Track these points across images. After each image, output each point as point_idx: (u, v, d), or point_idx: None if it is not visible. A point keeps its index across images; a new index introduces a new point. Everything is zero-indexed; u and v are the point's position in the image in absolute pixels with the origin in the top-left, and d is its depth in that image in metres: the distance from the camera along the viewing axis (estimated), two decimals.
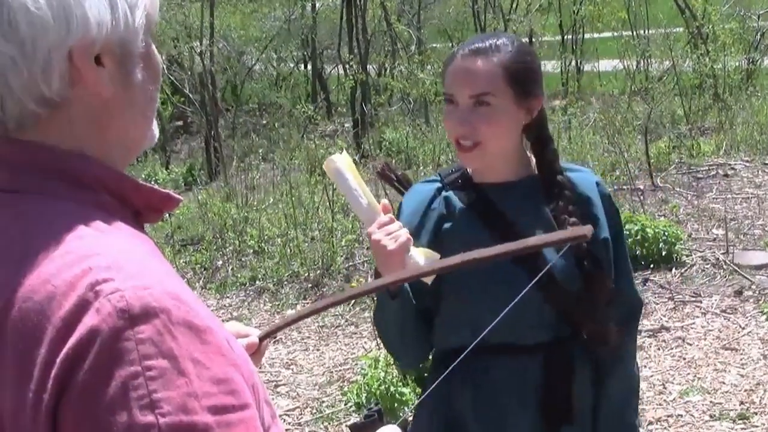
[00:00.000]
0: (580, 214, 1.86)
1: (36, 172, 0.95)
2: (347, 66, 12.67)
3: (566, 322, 1.87)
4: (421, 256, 1.74)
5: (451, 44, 12.62)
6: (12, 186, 0.95)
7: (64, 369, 0.82)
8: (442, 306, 1.91)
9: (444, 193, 1.93)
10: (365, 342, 5.37)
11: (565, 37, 13.18)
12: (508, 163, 1.91)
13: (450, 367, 1.55)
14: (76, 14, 0.92)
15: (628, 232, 5.76)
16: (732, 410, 4.07)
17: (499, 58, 1.81)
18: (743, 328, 4.91)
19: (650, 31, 11.78)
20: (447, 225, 1.90)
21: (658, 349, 4.78)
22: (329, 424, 4.38)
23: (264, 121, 12.91)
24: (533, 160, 1.96)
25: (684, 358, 4.63)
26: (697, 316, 5.12)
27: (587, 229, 1.37)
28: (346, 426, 1.16)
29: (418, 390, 3.95)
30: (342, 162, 1.65)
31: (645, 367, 4.56)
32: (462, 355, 1.53)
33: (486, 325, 1.61)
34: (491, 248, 1.36)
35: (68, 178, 0.95)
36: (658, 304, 5.32)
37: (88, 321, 0.83)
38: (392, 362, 4.14)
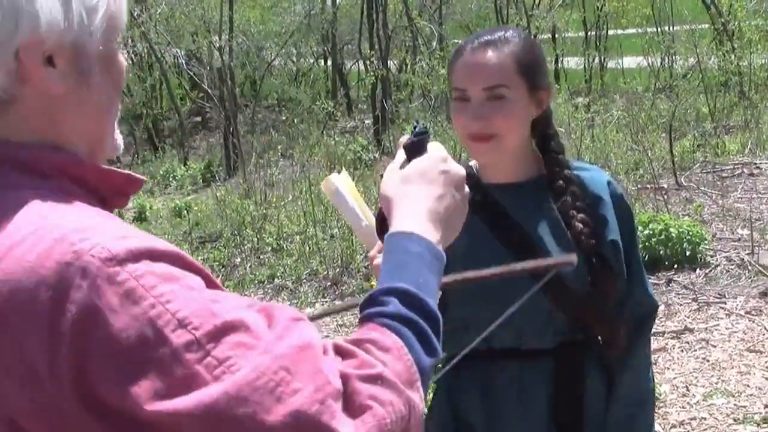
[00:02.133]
0: (589, 213, 1.83)
1: None
2: (368, 62, 12.65)
3: (576, 327, 1.84)
4: None
5: None
6: None
7: (76, 336, 0.83)
8: (448, 311, 1.85)
9: None
10: None
11: (589, 33, 13.09)
12: (516, 161, 1.87)
13: (444, 369, 1.55)
14: (26, 13, 0.94)
15: (651, 232, 5.71)
16: (756, 413, 4.02)
17: (510, 50, 1.79)
18: None
19: (675, 28, 11.71)
20: None
21: (682, 350, 4.73)
22: None
23: (283, 117, 12.89)
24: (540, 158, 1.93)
25: (708, 360, 4.58)
26: (722, 318, 5.07)
27: (572, 258, 1.44)
28: (401, 144, 1.19)
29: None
30: (341, 182, 1.61)
31: (668, 369, 4.53)
32: (460, 355, 1.51)
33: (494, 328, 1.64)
34: (480, 271, 1.42)
35: (22, 167, 0.96)
36: (681, 305, 5.28)
37: (81, 281, 0.84)
38: None
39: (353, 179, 1.71)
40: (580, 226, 1.81)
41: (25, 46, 0.94)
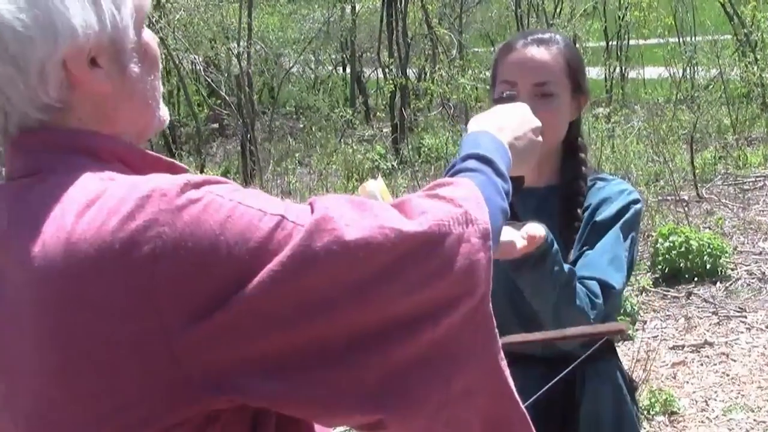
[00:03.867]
0: (585, 219, 1.83)
1: (52, 151, 1.02)
2: (387, 70, 12.62)
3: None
4: None
5: (493, 49, 12.50)
6: (30, 168, 1.03)
7: (173, 254, 0.91)
8: None
9: None
10: None
11: (610, 43, 13.02)
12: (544, 163, 1.88)
13: None
14: (61, 25, 0.99)
15: (671, 244, 5.67)
16: None
17: (560, 50, 1.84)
18: None
19: (697, 38, 11.61)
20: None
21: (701, 364, 4.71)
22: None
23: (301, 125, 12.89)
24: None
25: (728, 375, 4.56)
26: (742, 332, 5.04)
27: (622, 326, 1.59)
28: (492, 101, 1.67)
29: None
30: (377, 188, 1.60)
31: (687, 383, 4.51)
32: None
33: None
34: (529, 335, 1.65)
35: (83, 151, 1.03)
36: (701, 318, 5.25)
37: (163, 205, 0.92)
38: None
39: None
40: (567, 219, 1.83)
41: (69, 56, 1.00)
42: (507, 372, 1.09)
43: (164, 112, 1.16)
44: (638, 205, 1.87)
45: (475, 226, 1.04)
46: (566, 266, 1.73)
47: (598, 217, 1.84)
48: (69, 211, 0.95)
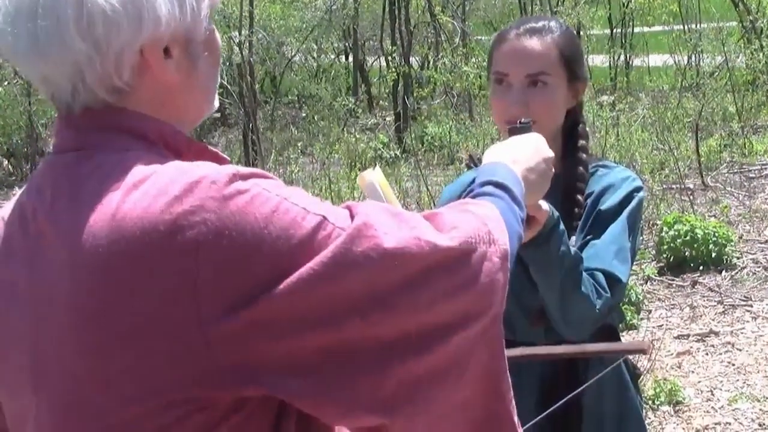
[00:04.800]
0: (588, 214, 1.81)
1: (101, 129, 1.04)
2: (389, 58, 12.59)
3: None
4: None
5: None
6: (79, 144, 1.04)
7: (216, 242, 0.92)
8: None
9: None
10: None
11: (614, 30, 12.98)
12: None
13: None
14: (147, 14, 1.01)
15: (676, 233, 5.66)
16: None
17: (554, 38, 1.83)
18: None
19: (702, 25, 11.56)
20: None
21: (707, 354, 4.68)
22: None
23: (303, 114, 12.86)
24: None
25: (733, 364, 4.53)
26: (747, 321, 5.02)
27: (645, 345, 1.61)
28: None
29: None
30: (375, 178, 1.58)
31: (692, 372, 4.49)
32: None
33: None
34: (553, 347, 1.71)
35: (131, 132, 1.04)
36: (707, 307, 5.23)
37: (212, 192, 0.94)
38: None
39: None
40: (568, 205, 1.81)
41: (148, 43, 1.03)
42: (510, 394, 1.13)
43: (216, 101, 1.19)
44: (641, 193, 1.85)
45: (497, 247, 1.08)
46: (573, 249, 1.71)
47: (603, 206, 1.81)
48: (115, 190, 0.97)
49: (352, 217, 1.01)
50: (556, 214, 1.66)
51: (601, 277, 1.74)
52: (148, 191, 0.95)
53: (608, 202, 1.82)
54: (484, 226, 1.08)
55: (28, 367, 1.03)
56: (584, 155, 1.88)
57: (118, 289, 0.94)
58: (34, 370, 1.02)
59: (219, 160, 1.09)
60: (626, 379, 1.93)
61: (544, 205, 1.62)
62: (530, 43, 1.81)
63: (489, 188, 1.22)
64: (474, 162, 2.05)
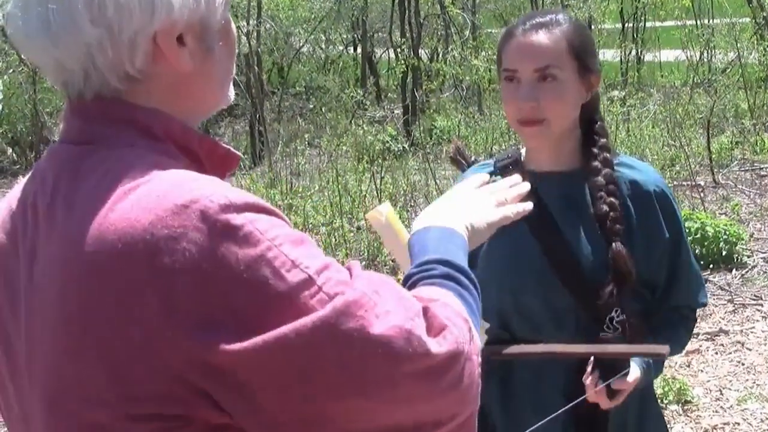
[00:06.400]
0: (625, 217, 1.81)
1: (108, 122, 1.03)
2: (398, 50, 12.54)
3: (597, 324, 1.81)
4: None
5: None
6: (85, 137, 1.03)
7: (193, 275, 0.89)
8: None
9: (493, 179, 1.87)
10: None
11: (626, 25, 12.93)
12: (563, 147, 1.88)
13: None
14: (160, 0, 1.00)
15: (686, 230, 5.58)
16: None
17: (562, 31, 1.80)
18: None
19: (715, 21, 11.50)
20: None
21: (716, 353, 4.66)
22: None
23: (311, 105, 12.84)
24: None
25: (743, 364, 4.51)
26: (758, 320, 4.99)
27: (664, 349, 1.65)
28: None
29: None
30: (384, 211, 1.54)
31: (701, 371, 4.47)
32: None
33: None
34: (568, 345, 1.73)
35: (138, 128, 1.03)
36: (717, 306, 5.20)
37: (200, 224, 0.90)
38: None
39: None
40: (605, 208, 1.79)
41: (161, 30, 1.01)
42: None
43: (231, 92, 1.16)
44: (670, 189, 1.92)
45: (474, 344, 1.05)
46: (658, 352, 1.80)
47: (668, 231, 1.85)
48: (107, 196, 0.95)
49: (348, 280, 0.96)
50: (647, 371, 1.79)
51: (691, 316, 1.95)
52: (138, 202, 0.93)
53: (667, 222, 1.86)
54: (465, 323, 1.04)
55: (24, 360, 1.03)
56: (608, 155, 1.86)
57: (93, 299, 0.93)
58: (27, 364, 1.02)
59: (230, 158, 1.10)
60: (650, 385, 1.94)
61: (633, 374, 1.74)
62: (537, 37, 1.78)
63: (444, 270, 1.13)
64: (462, 156, 2.05)
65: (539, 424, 1.67)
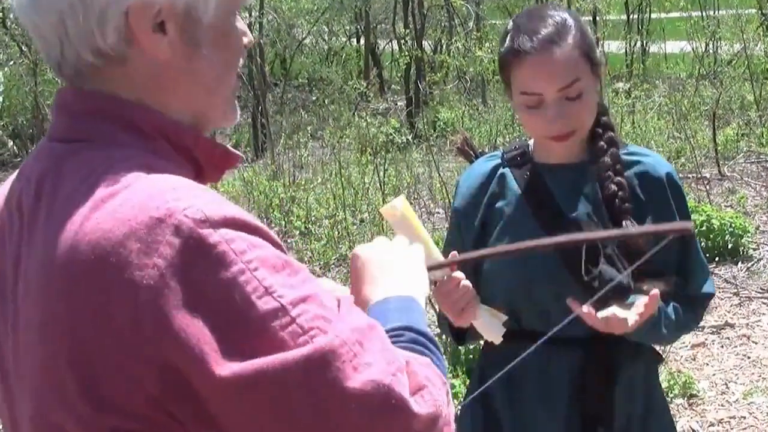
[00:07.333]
0: (635, 203, 1.81)
1: (96, 119, 1.01)
2: (402, 41, 12.47)
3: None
4: (487, 314, 1.78)
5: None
6: (71, 134, 1.01)
7: (162, 291, 0.86)
8: (483, 290, 1.86)
9: (501, 171, 1.94)
10: None
11: (631, 16, 12.86)
12: (573, 141, 1.86)
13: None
14: None
15: (692, 223, 5.57)
16: None
17: (572, 38, 1.77)
18: None
19: (721, 12, 11.44)
20: (498, 204, 1.91)
21: (722, 346, 4.63)
22: None
23: (314, 97, 12.81)
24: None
25: (749, 357, 4.49)
26: (764, 313, 4.96)
27: (689, 224, 1.52)
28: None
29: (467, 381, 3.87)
30: (403, 208, 1.52)
31: (707, 365, 4.45)
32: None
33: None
34: (597, 232, 1.69)
35: (127, 124, 1.00)
36: (722, 299, 5.17)
37: (172, 238, 0.87)
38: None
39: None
40: (614, 187, 1.78)
41: (133, 8, 0.98)
42: None
43: (233, 112, 1.12)
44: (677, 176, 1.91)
45: (451, 407, 1.03)
46: (672, 313, 1.82)
47: (679, 217, 1.83)
48: (84, 202, 0.93)
49: (329, 317, 0.92)
50: (662, 309, 1.77)
51: (699, 304, 1.94)
52: (114, 213, 0.91)
53: (673, 201, 1.85)
54: (444, 386, 1.01)
55: (12, 363, 1.02)
56: (616, 150, 1.85)
57: (68, 305, 0.92)
58: (16, 367, 1.02)
59: (228, 158, 1.08)
60: (656, 377, 1.96)
61: (630, 319, 1.68)
62: (553, 55, 1.74)
63: (419, 338, 1.09)
64: (471, 147, 2.05)
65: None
